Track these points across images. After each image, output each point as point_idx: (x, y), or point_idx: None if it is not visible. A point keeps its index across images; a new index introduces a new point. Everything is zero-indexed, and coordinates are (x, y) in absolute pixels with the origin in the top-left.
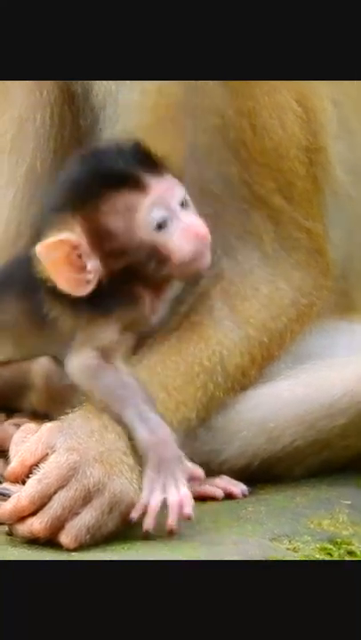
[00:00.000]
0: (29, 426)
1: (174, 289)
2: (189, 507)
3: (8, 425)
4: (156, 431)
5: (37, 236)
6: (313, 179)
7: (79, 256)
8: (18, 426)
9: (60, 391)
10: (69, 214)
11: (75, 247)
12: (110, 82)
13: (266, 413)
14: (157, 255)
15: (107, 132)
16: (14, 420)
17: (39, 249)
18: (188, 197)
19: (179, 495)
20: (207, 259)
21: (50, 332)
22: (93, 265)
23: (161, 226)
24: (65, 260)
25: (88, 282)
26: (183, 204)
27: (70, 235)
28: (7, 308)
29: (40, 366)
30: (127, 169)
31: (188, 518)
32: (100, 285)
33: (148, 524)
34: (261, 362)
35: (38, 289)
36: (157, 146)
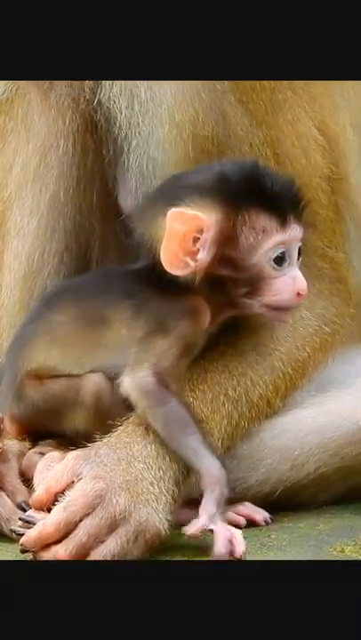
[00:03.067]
0: (54, 454)
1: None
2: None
3: (33, 453)
4: (222, 468)
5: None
6: (335, 207)
7: (195, 240)
8: (42, 454)
9: (109, 410)
10: (213, 202)
11: (201, 230)
12: (134, 112)
13: (290, 441)
14: (257, 284)
15: (129, 161)
16: (38, 449)
17: (173, 212)
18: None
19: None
20: (288, 318)
21: (99, 338)
22: (203, 256)
23: (277, 263)
24: (184, 235)
25: (186, 267)
26: (298, 254)
27: (207, 219)
28: (59, 314)
29: (91, 383)
30: (285, 200)
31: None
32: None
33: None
34: (285, 391)
35: (96, 296)
36: None
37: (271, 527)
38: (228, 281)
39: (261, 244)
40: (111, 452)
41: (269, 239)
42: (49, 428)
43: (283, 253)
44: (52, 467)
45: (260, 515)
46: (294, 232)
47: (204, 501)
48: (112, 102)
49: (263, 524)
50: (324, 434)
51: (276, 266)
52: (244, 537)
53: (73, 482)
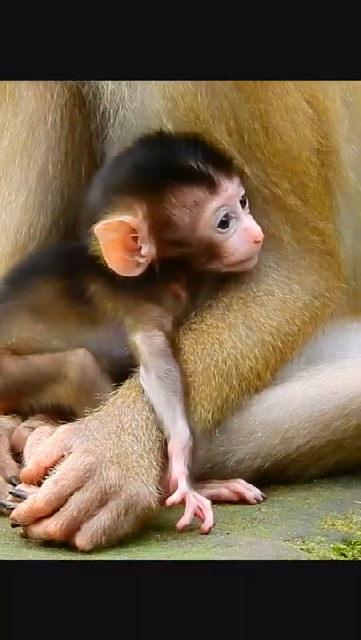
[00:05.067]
0: (43, 428)
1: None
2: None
3: (22, 428)
4: (192, 439)
5: (89, 215)
6: (325, 180)
7: (134, 239)
8: (32, 429)
9: (92, 385)
10: (133, 198)
11: (133, 230)
12: (121, 86)
13: (280, 414)
14: (212, 251)
15: (117, 135)
16: (28, 423)
17: (98, 228)
18: (245, 195)
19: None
20: (255, 260)
21: (86, 314)
22: (148, 250)
23: (224, 226)
24: (121, 240)
25: (138, 265)
26: (243, 203)
27: (132, 218)
28: (43, 289)
29: (76, 358)
30: (201, 165)
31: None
32: (149, 270)
33: (186, 519)
34: (275, 365)
35: (79, 271)
36: None
37: (262, 501)
38: (186, 257)
39: (199, 217)
40: (101, 425)
41: (205, 210)
42: (29, 401)
43: (226, 215)
44: (41, 441)
45: (252, 492)
46: (229, 189)
47: (174, 464)
48: None
49: (254, 502)
50: (315, 407)
51: (222, 230)
52: (235, 511)
53: (63, 456)
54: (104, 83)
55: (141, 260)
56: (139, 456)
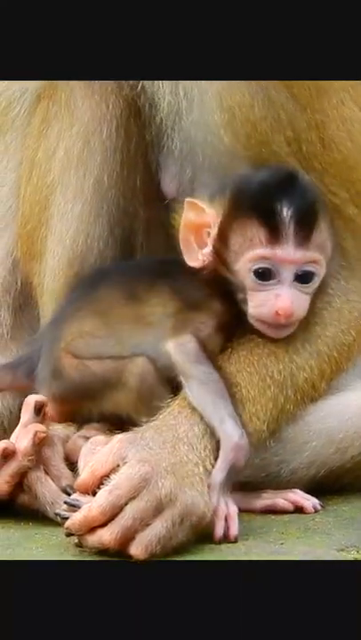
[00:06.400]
0: (98, 438)
1: None
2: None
3: (77, 437)
4: (244, 436)
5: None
6: None
7: (208, 234)
8: (87, 438)
9: (151, 393)
10: (223, 201)
11: (208, 225)
12: (178, 97)
13: (335, 424)
14: (244, 292)
15: (173, 146)
16: (83, 433)
17: (190, 200)
18: (314, 277)
19: (228, 510)
20: (279, 334)
21: (140, 317)
22: (208, 252)
23: (258, 277)
24: (197, 225)
25: (197, 259)
26: (302, 279)
27: (213, 215)
28: (106, 289)
29: (136, 366)
30: (286, 217)
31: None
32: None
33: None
34: (330, 375)
35: (138, 276)
36: (228, 161)
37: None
38: (230, 285)
39: (244, 252)
40: (157, 434)
41: (251, 250)
42: (88, 408)
43: (267, 269)
44: (96, 450)
45: (310, 502)
46: (288, 253)
47: (216, 467)
48: (156, 87)
49: (312, 510)
50: None
51: (257, 279)
52: (289, 521)
53: (118, 465)
54: (160, 94)
55: (200, 257)
56: (194, 464)
